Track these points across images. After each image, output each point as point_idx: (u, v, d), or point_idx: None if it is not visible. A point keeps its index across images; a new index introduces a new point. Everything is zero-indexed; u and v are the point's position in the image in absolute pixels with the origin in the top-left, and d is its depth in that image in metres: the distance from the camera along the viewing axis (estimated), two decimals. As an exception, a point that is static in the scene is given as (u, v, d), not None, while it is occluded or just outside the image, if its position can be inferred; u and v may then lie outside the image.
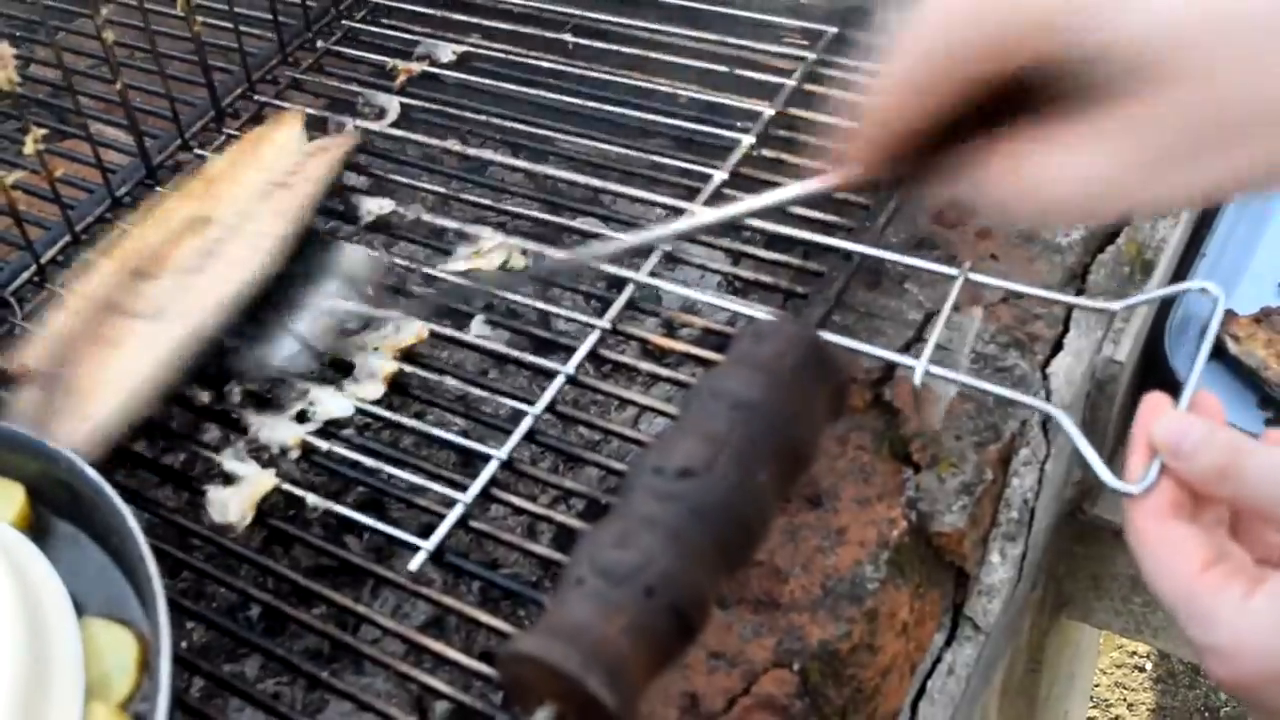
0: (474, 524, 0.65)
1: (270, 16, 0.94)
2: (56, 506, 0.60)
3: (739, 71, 0.89)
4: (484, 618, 0.62)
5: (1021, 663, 1.00)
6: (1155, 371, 0.94)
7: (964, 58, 0.38)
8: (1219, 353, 0.97)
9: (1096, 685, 1.90)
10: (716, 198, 0.80)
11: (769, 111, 0.85)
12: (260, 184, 0.79)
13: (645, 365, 0.72)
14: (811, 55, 0.89)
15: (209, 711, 0.61)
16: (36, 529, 0.59)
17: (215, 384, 0.72)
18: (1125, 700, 1.89)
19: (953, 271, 0.68)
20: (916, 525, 0.73)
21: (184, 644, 0.68)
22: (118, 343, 0.71)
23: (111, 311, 0.72)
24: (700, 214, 0.76)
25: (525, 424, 0.67)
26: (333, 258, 0.76)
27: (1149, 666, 1.92)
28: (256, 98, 0.92)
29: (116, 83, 0.82)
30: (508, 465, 0.66)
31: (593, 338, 0.72)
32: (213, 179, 0.81)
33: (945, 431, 0.76)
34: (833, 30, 0.91)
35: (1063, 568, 0.98)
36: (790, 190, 0.59)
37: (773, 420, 0.44)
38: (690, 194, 0.80)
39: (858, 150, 0.44)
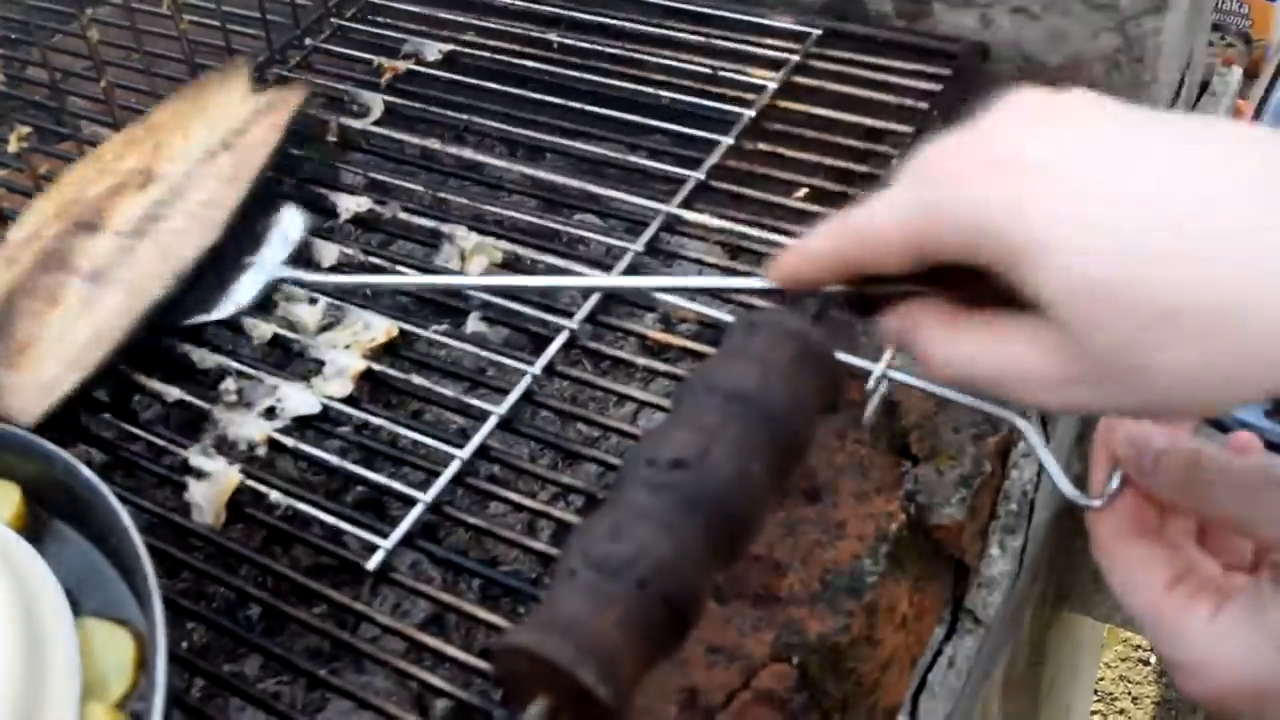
0: (471, 520, 0.65)
1: (259, 15, 0.94)
2: (53, 507, 0.60)
3: (723, 72, 0.89)
4: (483, 614, 0.61)
5: (1023, 656, 0.99)
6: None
7: (920, 238, 0.42)
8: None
9: (1101, 679, 1.90)
10: (691, 200, 0.80)
11: (749, 114, 0.85)
12: (205, 143, 0.78)
13: (642, 360, 0.72)
14: (796, 58, 0.89)
15: (209, 711, 0.61)
16: (33, 529, 0.59)
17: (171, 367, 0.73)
18: (1130, 694, 1.89)
19: None
20: (915, 518, 0.72)
21: (184, 644, 0.68)
22: (58, 300, 0.70)
23: (51, 263, 0.72)
24: (626, 280, 0.77)
25: (488, 425, 0.67)
26: (271, 221, 0.77)
27: (1154, 659, 1.92)
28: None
29: (101, 82, 0.82)
30: (470, 466, 0.66)
31: (562, 337, 0.71)
32: (156, 128, 0.80)
33: (944, 424, 0.75)
34: (817, 32, 0.91)
35: (1063, 561, 0.98)
36: (727, 281, 0.69)
37: (766, 412, 0.44)
38: (667, 196, 0.80)
39: (801, 268, 0.47)
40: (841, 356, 0.61)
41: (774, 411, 0.44)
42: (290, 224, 0.77)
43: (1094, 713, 1.86)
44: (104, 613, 0.55)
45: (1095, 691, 1.87)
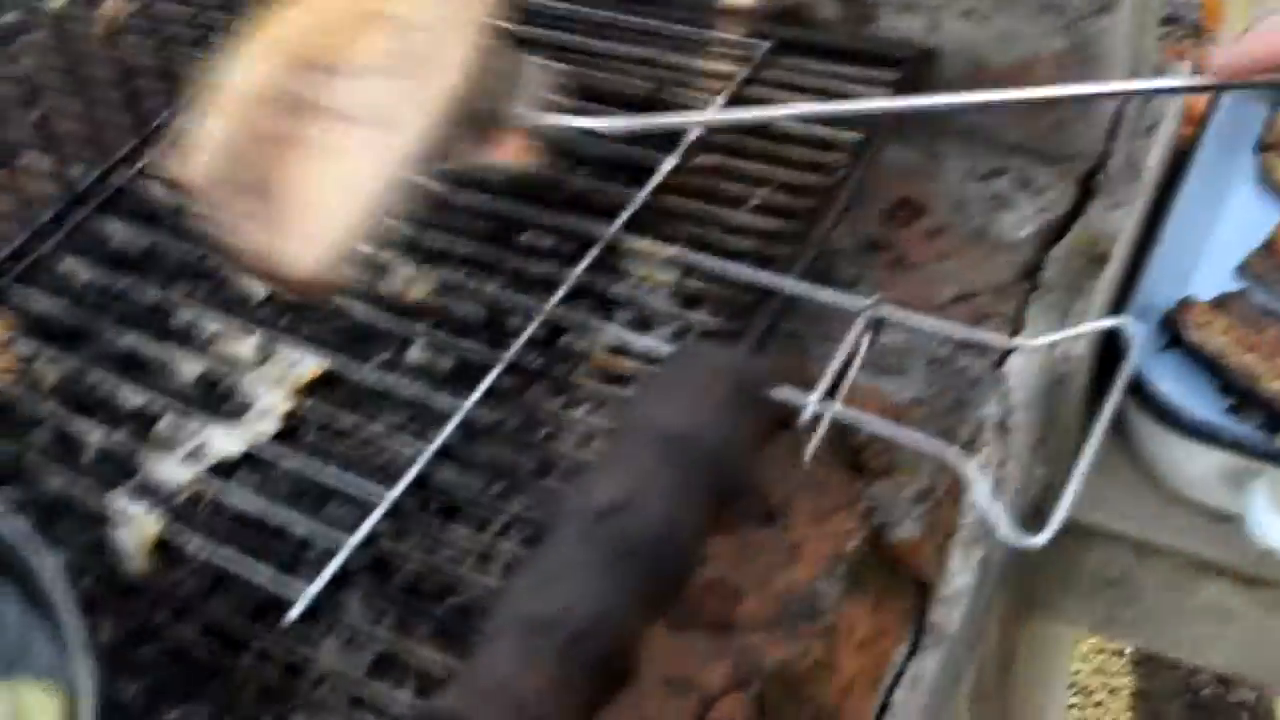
0: (417, 557, 0.63)
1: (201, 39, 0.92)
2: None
3: (672, 86, 0.87)
4: (432, 655, 0.60)
5: (992, 665, 0.98)
6: (1114, 363, 0.92)
7: None
8: (1178, 341, 0.96)
9: (1077, 672, 1.89)
10: (632, 224, 0.78)
11: (692, 134, 0.84)
12: None
13: (590, 384, 0.70)
14: (745, 70, 0.88)
15: (152, 765, 0.60)
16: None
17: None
18: (1107, 686, 1.89)
19: (857, 305, 0.66)
20: (873, 537, 0.71)
21: (128, 693, 0.66)
22: (328, 149, 0.64)
23: (298, 108, 0.65)
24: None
25: (424, 459, 0.66)
26: (518, 70, 0.72)
27: (1129, 650, 1.92)
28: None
29: (36, 111, 0.80)
30: (407, 502, 0.65)
31: (503, 364, 0.70)
32: None
33: (907, 433, 0.74)
34: (766, 45, 0.89)
35: (1029, 567, 0.97)
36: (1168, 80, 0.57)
37: (700, 453, 0.43)
38: (614, 216, 0.79)
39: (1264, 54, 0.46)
40: (777, 392, 0.60)
41: (708, 451, 0.43)
42: (536, 76, 0.72)
43: (1071, 706, 1.86)
44: (39, 671, 0.54)
45: (1072, 685, 1.87)
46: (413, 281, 0.75)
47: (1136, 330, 0.67)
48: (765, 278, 0.74)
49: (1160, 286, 0.97)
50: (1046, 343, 0.69)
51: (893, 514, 0.72)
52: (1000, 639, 1.00)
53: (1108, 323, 0.64)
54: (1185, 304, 0.97)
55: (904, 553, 0.72)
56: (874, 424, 0.63)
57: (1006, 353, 0.79)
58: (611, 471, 0.42)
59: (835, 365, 0.66)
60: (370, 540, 0.64)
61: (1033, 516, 0.92)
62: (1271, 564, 0.86)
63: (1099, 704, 1.87)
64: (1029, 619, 1.02)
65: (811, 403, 0.57)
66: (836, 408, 0.58)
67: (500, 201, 0.81)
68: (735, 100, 0.86)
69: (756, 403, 0.45)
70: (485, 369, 0.71)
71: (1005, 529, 0.50)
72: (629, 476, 0.41)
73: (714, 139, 0.84)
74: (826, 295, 0.72)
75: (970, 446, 0.76)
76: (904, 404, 0.76)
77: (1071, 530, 0.94)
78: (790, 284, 0.72)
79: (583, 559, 0.40)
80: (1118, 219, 0.90)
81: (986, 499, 0.51)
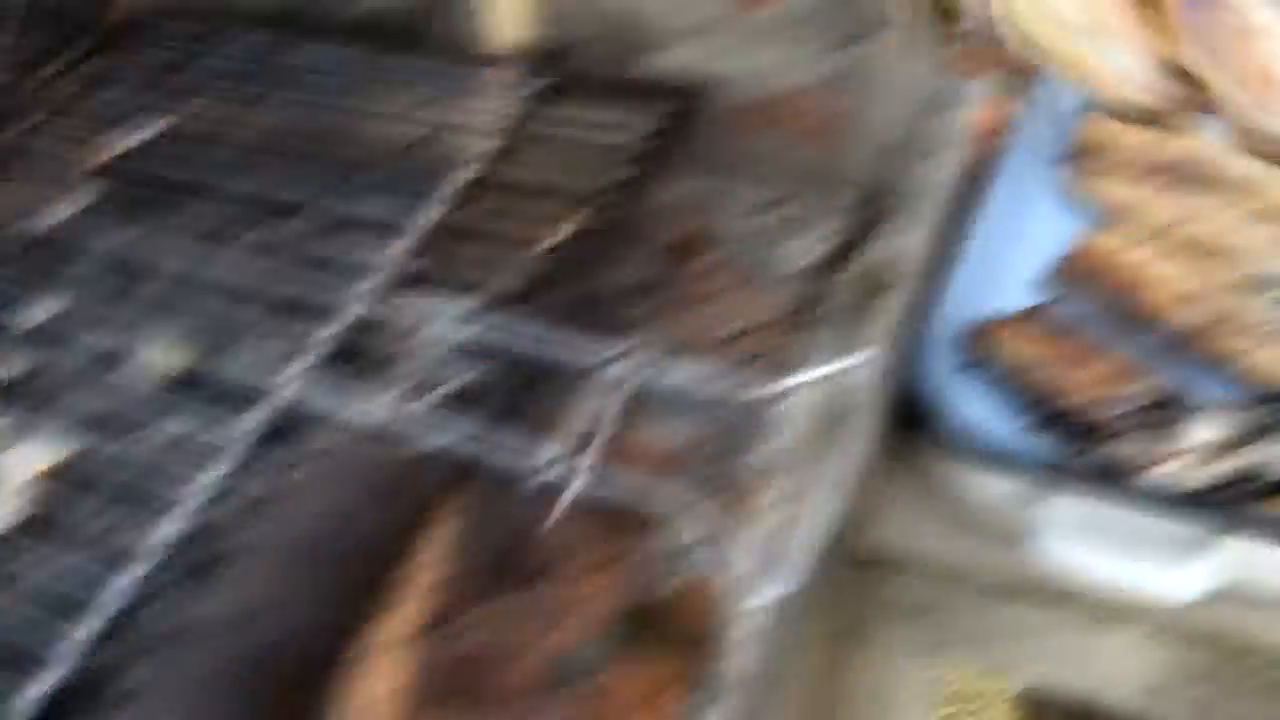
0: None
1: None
2: None
3: (442, 134, 0.86)
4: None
5: (815, 700, 0.97)
6: (904, 394, 0.92)
7: None
8: (980, 360, 0.96)
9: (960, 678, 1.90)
10: (399, 280, 0.77)
11: (466, 175, 0.83)
12: None
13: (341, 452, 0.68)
14: (515, 113, 0.86)
15: None
16: None
17: None
18: (983, 693, 1.89)
19: (614, 353, 0.64)
20: (643, 591, 0.70)
21: None
22: None
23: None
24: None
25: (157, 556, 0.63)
26: None
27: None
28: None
29: None
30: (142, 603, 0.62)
31: (243, 445, 0.68)
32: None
33: (671, 484, 0.73)
34: (534, 86, 0.88)
35: (841, 598, 0.96)
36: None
37: (337, 551, 0.41)
38: (361, 276, 0.77)
39: None
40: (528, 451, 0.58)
41: (346, 549, 0.41)
42: None
43: (950, 714, 1.86)
44: None
45: (953, 692, 1.87)
46: (167, 353, 0.73)
47: (876, 362, 0.66)
48: (528, 329, 0.72)
49: (963, 304, 0.97)
50: (801, 383, 0.67)
51: (664, 566, 0.70)
52: (823, 669, 0.99)
53: (848, 361, 0.63)
54: (985, 321, 0.97)
55: (678, 604, 0.71)
56: (616, 485, 0.62)
57: (782, 390, 0.78)
58: (237, 584, 0.40)
59: (588, 420, 0.65)
60: (110, 635, 0.61)
61: (833, 550, 0.92)
62: (1071, 581, 0.85)
63: (972, 713, 1.88)
64: (849, 649, 1.01)
65: (558, 461, 0.56)
66: (585, 464, 0.57)
67: (258, 261, 0.79)
68: (507, 147, 0.85)
69: (406, 491, 0.43)
70: (236, 442, 0.68)
71: (735, 582, 0.48)
72: (256, 586, 0.39)
73: (488, 180, 0.82)
74: (587, 345, 0.71)
75: (745, 488, 0.75)
76: (674, 450, 0.75)
77: (880, 560, 0.93)
78: (552, 335, 0.71)
79: (207, 673, 0.38)
80: (902, 244, 0.89)
81: (714, 553, 0.50)
